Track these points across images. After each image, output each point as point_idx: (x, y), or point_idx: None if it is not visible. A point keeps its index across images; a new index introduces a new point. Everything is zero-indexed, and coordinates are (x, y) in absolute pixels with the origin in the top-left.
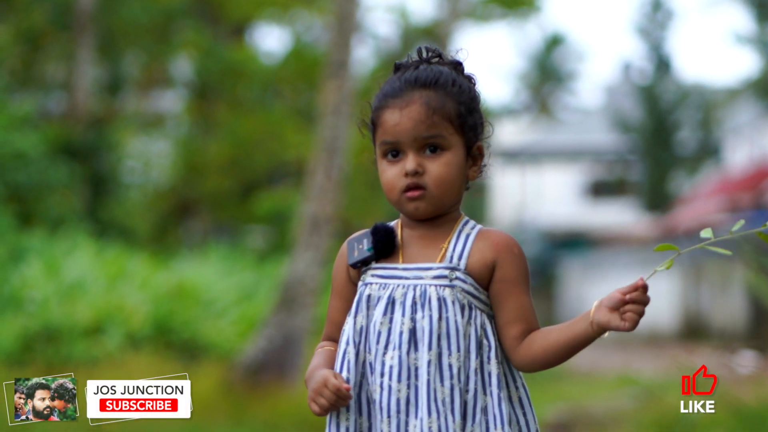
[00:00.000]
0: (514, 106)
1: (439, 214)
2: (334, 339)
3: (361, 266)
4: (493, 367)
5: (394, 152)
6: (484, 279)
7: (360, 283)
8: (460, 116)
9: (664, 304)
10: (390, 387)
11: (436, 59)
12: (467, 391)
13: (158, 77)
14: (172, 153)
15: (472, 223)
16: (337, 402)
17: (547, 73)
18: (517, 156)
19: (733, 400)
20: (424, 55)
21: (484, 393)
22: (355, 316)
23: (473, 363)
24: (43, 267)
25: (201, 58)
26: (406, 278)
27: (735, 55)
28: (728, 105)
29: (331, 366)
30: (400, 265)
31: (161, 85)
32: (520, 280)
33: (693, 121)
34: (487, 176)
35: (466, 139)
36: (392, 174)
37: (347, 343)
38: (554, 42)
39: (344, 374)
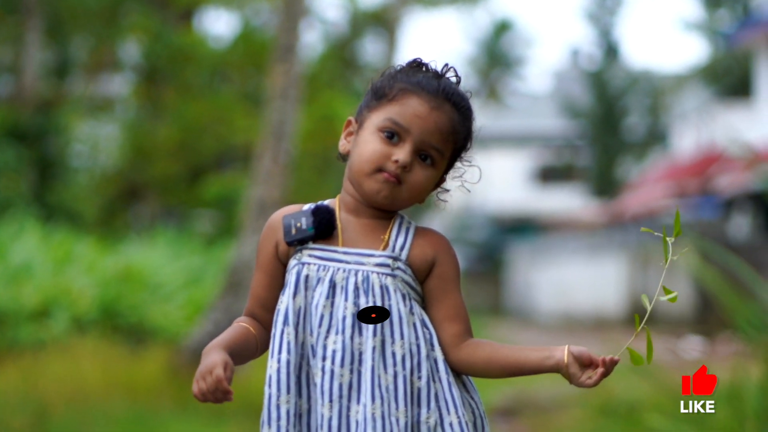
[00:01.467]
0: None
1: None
2: (254, 315)
3: (296, 244)
4: (438, 354)
5: (393, 135)
6: (422, 273)
7: (294, 261)
8: (460, 149)
9: (611, 288)
10: (332, 371)
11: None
12: (420, 377)
13: (106, 61)
14: (119, 137)
15: (407, 219)
16: (215, 394)
17: (496, 59)
18: None
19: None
20: (448, 72)
21: (434, 380)
22: (294, 297)
23: (423, 350)
24: None
25: (149, 42)
26: (347, 262)
27: (683, 42)
28: (676, 91)
29: (236, 346)
30: (340, 248)
31: (109, 69)
32: (456, 279)
33: (641, 107)
34: (429, 203)
35: (447, 167)
36: (381, 150)
37: (285, 324)
38: (503, 27)
39: (284, 356)
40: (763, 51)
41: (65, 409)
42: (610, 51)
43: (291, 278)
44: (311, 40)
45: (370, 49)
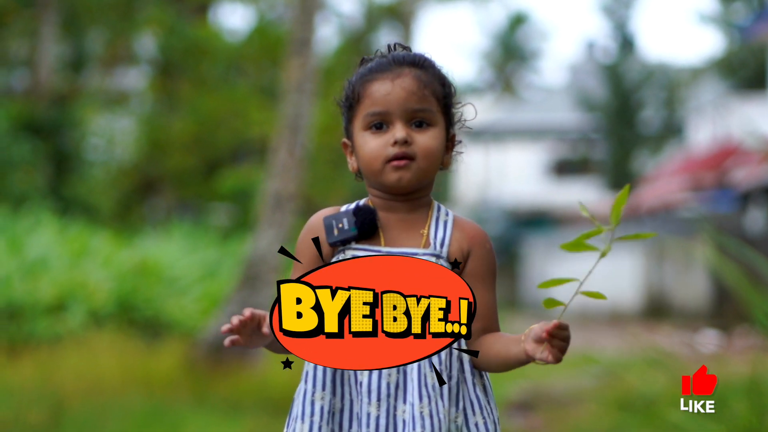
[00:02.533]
0: (478, 85)
1: (415, 192)
2: None
3: (339, 245)
4: (465, 355)
5: (379, 124)
6: (460, 269)
7: (342, 260)
8: (445, 98)
9: (627, 282)
10: (380, 371)
11: (401, 48)
12: (450, 377)
13: (122, 54)
14: (135, 130)
15: (444, 209)
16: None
17: (511, 52)
18: (481, 135)
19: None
20: (394, 50)
21: (460, 380)
22: None
23: (454, 351)
24: (5, 244)
25: (165, 36)
26: None
27: (699, 35)
28: (692, 84)
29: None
30: (384, 249)
31: (125, 63)
32: (487, 277)
33: (657, 100)
34: (454, 167)
35: (447, 123)
36: (377, 144)
37: None
38: (518, 20)
39: None
40: None
41: (81, 402)
42: (626, 44)
43: None
44: (326, 34)
45: (385, 42)
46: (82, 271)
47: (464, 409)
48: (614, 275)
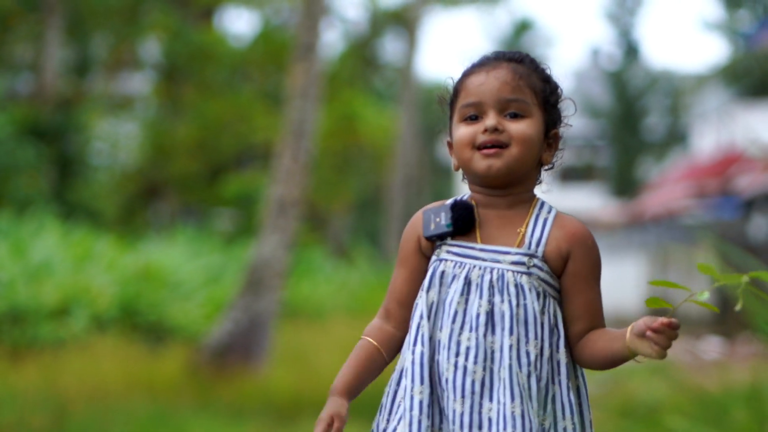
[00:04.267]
0: None
1: (513, 186)
2: (388, 312)
3: (436, 240)
4: (562, 356)
5: (474, 115)
6: (558, 268)
7: (434, 257)
8: (544, 92)
9: (631, 288)
10: (465, 367)
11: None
12: (539, 379)
13: (126, 59)
14: (139, 135)
15: (548, 205)
16: None
17: None
18: None
19: (696, 386)
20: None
21: (554, 382)
22: (428, 291)
23: (546, 351)
24: (9, 248)
25: (169, 40)
26: (483, 260)
27: (703, 42)
28: (696, 91)
29: (360, 379)
30: (478, 245)
31: (129, 67)
32: (591, 275)
33: (661, 106)
34: (558, 166)
35: (546, 117)
36: (468, 131)
37: (421, 317)
38: (523, 27)
39: (419, 348)
40: None
41: (85, 407)
42: (630, 51)
43: (429, 274)
44: (331, 39)
45: (390, 48)
46: (85, 275)
47: (554, 411)
48: (618, 282)
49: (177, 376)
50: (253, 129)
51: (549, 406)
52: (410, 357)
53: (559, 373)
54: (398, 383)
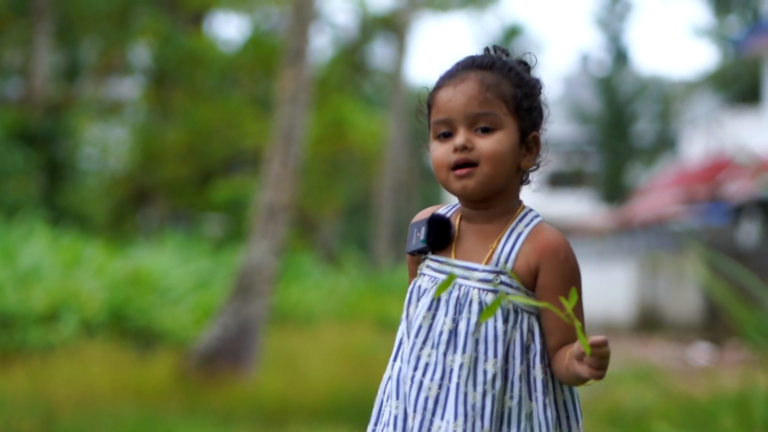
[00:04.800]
0: None
1: (491, 200)
2: None
3: (417, 255)
4: (538, 373)
5: (446, 132)
6: (530, 283)
7: (419, 271)
8: (516, 98)
9: (620, 295)
10: (421, 383)
11: (503, 55)
12: (512, 397)
13: (116, 64)
14: (129, 140)
15: (530, 216)
16: None
17: None
18: None
19: (684, 393)
20: (492, 52)
21: (530, 399)
22: (408, 307)
23: (518, 369)
24: None
25: (159, 46)
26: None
27: (693, 48)
28: (685, 97)
29: None
30: (452, 261)
31: (119, 72)
32: (561, 289)
33: (650, 113)
34: (542, 168)
35: (521, 124)
36: (441, 151)
37: (402, 332)
38: (513, 32)
39: (397, 363)
40: None
41: (73, 412)
42: (620, 57)
43: (410, 288)
44: (321, 45)
45: (380, 53)
46: (74, 280)
47: (530, 428)
48: (607, 288)
49: (166, 381)
50: (243, 134)
51: (524, 423)
52: (389, 372)
53: (535, 390)
54: (384, 392)
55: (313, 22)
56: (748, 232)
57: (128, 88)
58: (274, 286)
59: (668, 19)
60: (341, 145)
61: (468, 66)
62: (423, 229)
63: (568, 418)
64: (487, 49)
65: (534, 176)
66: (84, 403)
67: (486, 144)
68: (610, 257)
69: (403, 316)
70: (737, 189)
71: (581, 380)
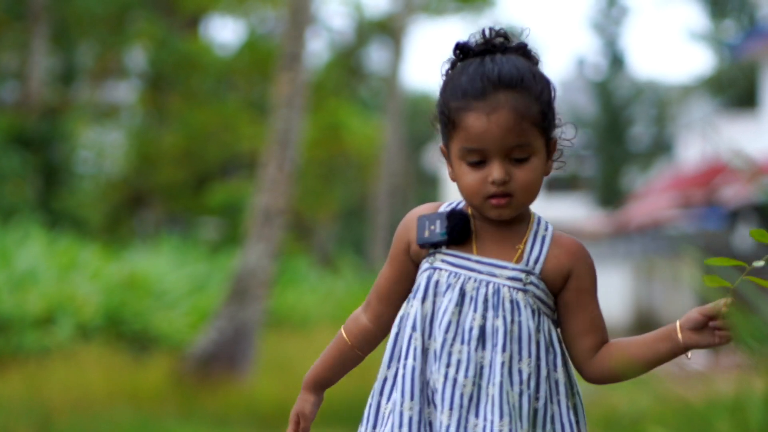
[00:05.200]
0: None
1: None
2: (369, 306)
3: (429, 247)
4: (560, 375)
5: (478, 161)
6: (557, 286)
7: (426, 264)
8: (543, 117)
9: (616, 298)
10: (455, 380)
11: (502, 40)
12: (537, 399)
13: (112, 68)
14: (125, 144)
15: (544, 222)
16: None
17: None
18: None
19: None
20: (489, 35)
21: (552, 401)
22: (423, 302)
23: (543, 370)
24: None
25: (155, 49)
26: (479, 272)
27: (689, 52)
28: (681, 102)
29: (331, 372)
30: (474, 257)
31: (115, 76)
32: (593, 291)
33: (646, 117)
34: (560, 167)
35: (546, 138)
36: (475, 180)
37: (413, 329)
38: None
39: (410, 362)
40: None
41: (69, 415)
42: (616, 61)
43: (421, 282)
44: (317, 49)
45: (376, 57)
46: (70, 284)
47: (553, 431)
48: (603, 291)
49: (162, 385)
50: (239, 138)
51: (548, 426)
52: (401, 371)
53: (557, 393)
54: (381, 394)
55: (309, 26)
56: (744, 236)
57: (124, 92)
58: (269, 290)
59: (664, 23)
60: (337, 149)
61: (495, 84)
62: (439, 222)
63: (578, 422)
64: (484, 32)
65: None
66: (80, 407)
67: (522, 175)
68: (606, 261)
69: (414, 312)
70: (733, 193)
71: (672, 359)
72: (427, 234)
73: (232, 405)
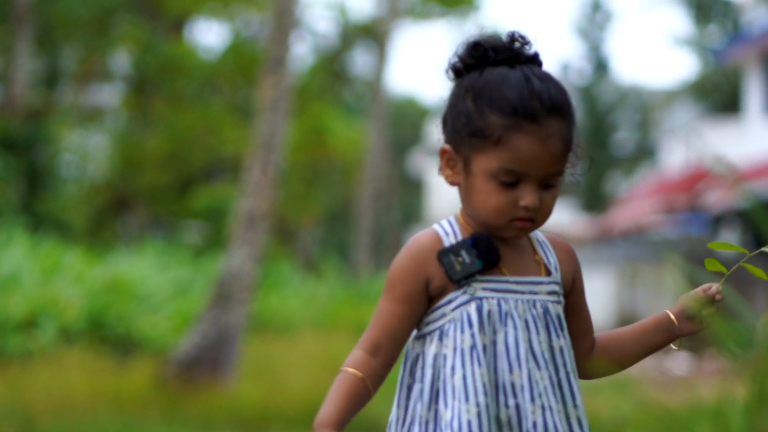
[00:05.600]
0: None
1: None
2: (377, 348)
3: (463, 280)
4: (576, 381)
5: (513, 182)
6: (567, 290)
7: (465, 296)
8: (575, 145)
9: (599, 303)
10: (551, 407)
11: (524, 46)
12: (575, 406)
13: (96, 71)
14: (109, 147)
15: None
16: None
17: None
18: None
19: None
20: (513, 40)
21: (575, 407)
22: (481, 333)
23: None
24: None
25: (139, 53)
26: (522, 292)
27: (673, 58)
28: (665, 107)
29: (349, 413)
30: (511, 278)
31: (99, 79)
32: (584, 289)
33: (630, 122)
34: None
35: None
36: (504, 201)
37: (478, 364)
38: None
39: (482, 398)
40: (752, 67)
41: (52, 419)
42: (600, 66)
43: (470, 315)
44: (301, 52)
45: (360, 61)
46: (53, 287)
47: None
48: (586, 295)
49: (144, 388)
50: (223, 142)
51: (576, 429)
52: (474, 410)
53: (577, 396)
54: None
55: (293, 30)
56: (728, 241)
57: (108, 95)
58: (253, 294)
59: (648, 28)
60: (321, 153)
61: (548, 109)
62: (465, 252)
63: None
64: (511, 37)
65: None
66: (63, 410)
67: (548, 201)
68: (590, 266)
69: (469, 346)
70: (716, 199)
71: (660, 348)
72: (459, 268)
73: (215, 409)
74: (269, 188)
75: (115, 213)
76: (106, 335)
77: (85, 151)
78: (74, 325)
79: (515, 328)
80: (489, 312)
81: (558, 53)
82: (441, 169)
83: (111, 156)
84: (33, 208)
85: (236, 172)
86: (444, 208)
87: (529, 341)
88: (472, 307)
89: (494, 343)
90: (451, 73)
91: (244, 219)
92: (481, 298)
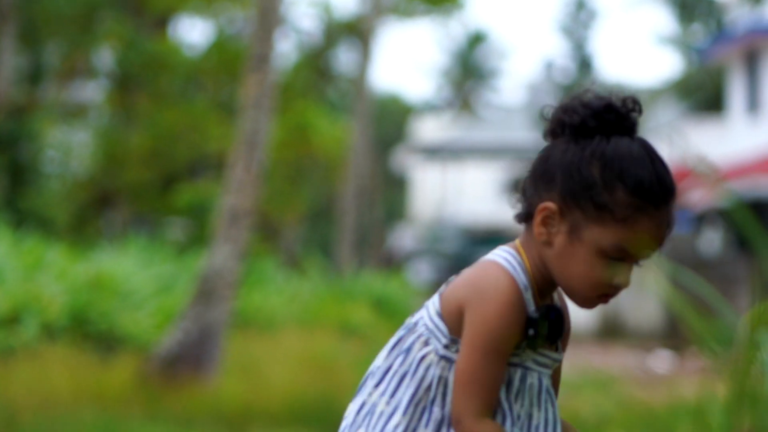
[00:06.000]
0: (436, 103)
1: None
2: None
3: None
4: None
5: (618, 258)
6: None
7: (516, 359)
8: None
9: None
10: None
11: (640, 113)
12: None
13: (80, 67)
14: (92, 143)
15: None
16: None
17: (470, 70)
18: (438, 152)
19: (642, 401)
20: (628, 108)
21: None
22: (518, 403)
23: None
24: None
25: (123, 49)
26: (547, 366)
27: (657, 56)
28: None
29: None
30: (554, 355)
31: (83, 76)
32: None
33: None
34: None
35: None
36: (603, 277)
37: (511, 425)
38: (477, 39)
39: None
40: (735, 66)
41: (34, 415)
42: (584, 64)
43: (514, 380)
44: (285, 50)
45: (344, 59)
46: (36, 283)
47: None
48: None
49: (127, 385)
50: (206, 139)
51: None
52: None
53: None
54: None
55: (277, 28)
56: (711, 239)
57: (92, 92)
58: (236, 291)
59: (632, 27)
60: (305, 150)
61: (668, 197)
62: (541, 323)
63: None
64: (623, 103)
65: None
66: (45, 407)
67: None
68: None
69: (506, 414)
70: (700, 198)
71: None
72: (531, 333)
73: (197, 406)
74: (252, 185)
75: (98, 210)
76: (89, 332)
77: (69, 148)
78: (57, 321)
79: (548, 411)
80: (530, 385)
81: (542, 51)
82: (535, 225)
83: (94, 153)
84: (16, 205)
85: (219, 169)
86: (428, 207)
87: (554, 421)
88: (517, 374)
89: (530, 416)
90: (568, 129)
91: (227, 216)
92: (527, 369)
